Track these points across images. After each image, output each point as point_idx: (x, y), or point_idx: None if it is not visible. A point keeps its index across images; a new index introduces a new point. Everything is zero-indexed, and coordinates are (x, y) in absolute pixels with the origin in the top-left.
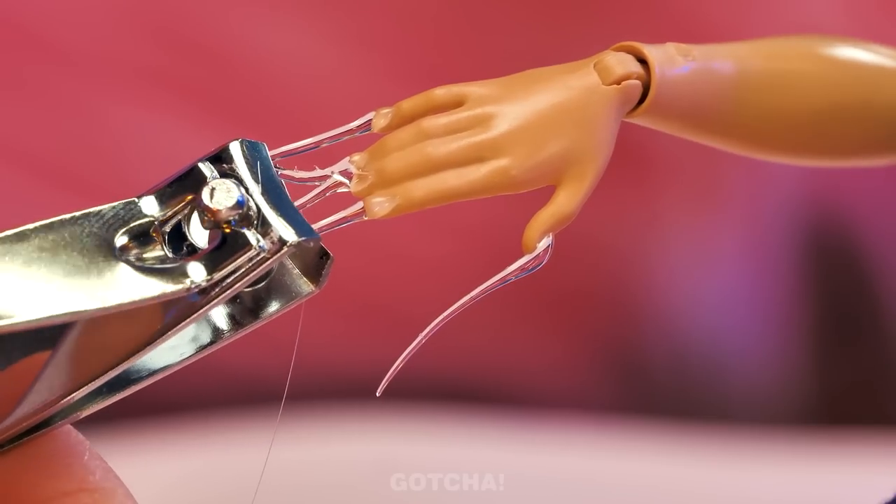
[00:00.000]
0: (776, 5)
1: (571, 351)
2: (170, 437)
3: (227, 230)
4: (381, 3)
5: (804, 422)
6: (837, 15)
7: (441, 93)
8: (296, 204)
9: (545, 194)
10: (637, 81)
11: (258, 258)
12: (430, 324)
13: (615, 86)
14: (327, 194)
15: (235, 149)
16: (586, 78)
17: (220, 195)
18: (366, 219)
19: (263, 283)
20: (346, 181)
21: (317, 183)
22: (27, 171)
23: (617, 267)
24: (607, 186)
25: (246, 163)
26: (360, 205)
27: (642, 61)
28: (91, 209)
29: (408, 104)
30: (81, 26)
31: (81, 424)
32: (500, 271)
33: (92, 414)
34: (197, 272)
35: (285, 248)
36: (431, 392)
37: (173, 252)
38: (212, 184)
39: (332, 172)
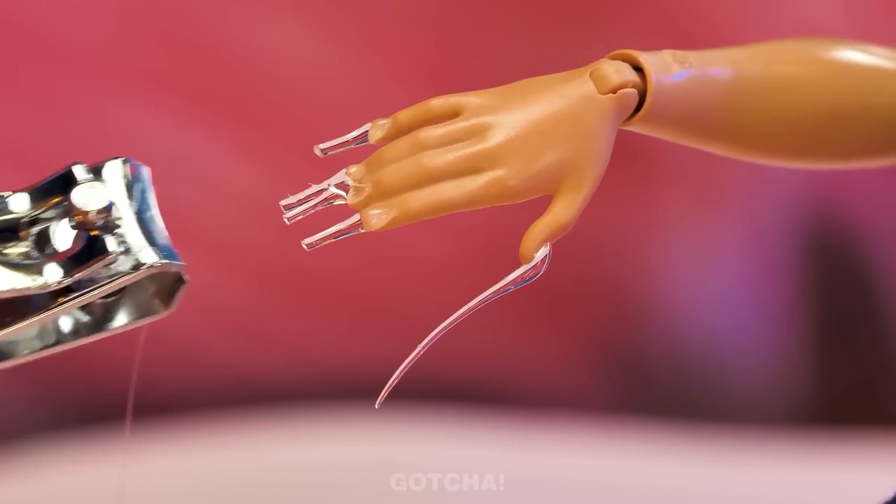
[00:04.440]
0: (776, 6)
1: (571, 351)
2: (167, 437)
3: (92, 233)
4: (381, 3)
5: (804, 422)
6: (837, 15)
7: (437, 103)
8: (290, 215)
9: (547, 196)
10: (633, 90)
11: (117, 275)
12: (428, 327)
13: (611, 95)
14: (324, 206)
15: (115, 165)
16: (582, 87)
17: (89, 196)
18: (362, 231)
19: (115, 297)
20: (343, 193)
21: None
22: (27, 172)
23: (617, 267)
24: (607, 187)
25: (124, 179)
26: (356, 217)
27: (638, 69)
28: None
29: (404, 115)
30: (81, 26)
31: (65, 422)
32: (499, 274)
33: (89, 413)
34: (53, 272)
35: (144, 269)
36: (431, 392)
37: (38, 251)
38: (83, 184)
39: (329, 185)
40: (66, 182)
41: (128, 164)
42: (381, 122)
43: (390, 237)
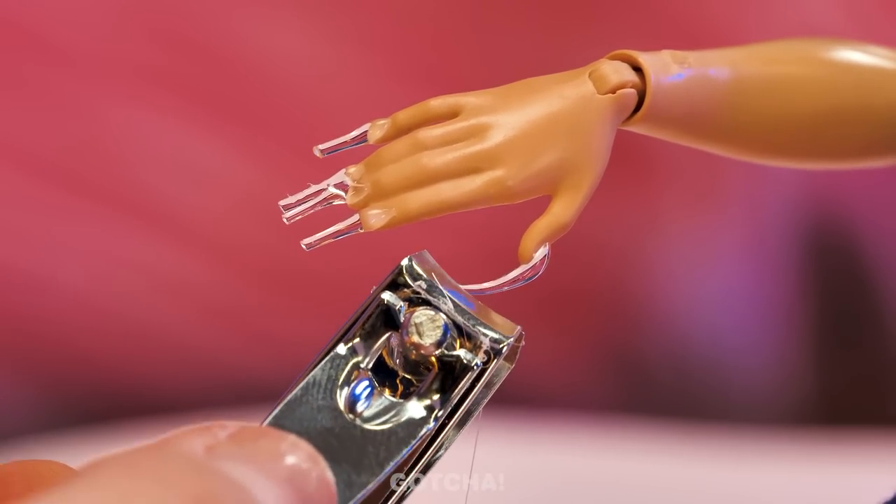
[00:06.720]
0: (776, 6)
1: (571, 350)
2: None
3: (441, 358)
4: (381, 3)
5: (804, 422)
6: (837, 15)
7: (436, 103)
8: (289, 215)
9: (547, 196)
10: (632, 90)
11: (477, 374)
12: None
13: (610, 95)
14: (323, 206)
15: (410, 270)
16: (581, 87)
17: (427, 329)
18: (361, 231)
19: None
20: (342, 193)
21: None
22: (27, 171)
23: (617, 267)
24: (607, 186)
25: (425, 281)
26: (355, 217)
27: (637, 69)
28: (305, 380)
29: (403, 115)
30: (81, 26)
31: (73, 427)
32: (499, 274)
33: (89, 413)
34: (430, 411)
35: (499, 357)
36: None
37: (389, 388)
38: (414, 319)
39: (328, 185)
40: (386, 313)
41: (414, 261)
42: (380, 122)
43: (390, 237)
